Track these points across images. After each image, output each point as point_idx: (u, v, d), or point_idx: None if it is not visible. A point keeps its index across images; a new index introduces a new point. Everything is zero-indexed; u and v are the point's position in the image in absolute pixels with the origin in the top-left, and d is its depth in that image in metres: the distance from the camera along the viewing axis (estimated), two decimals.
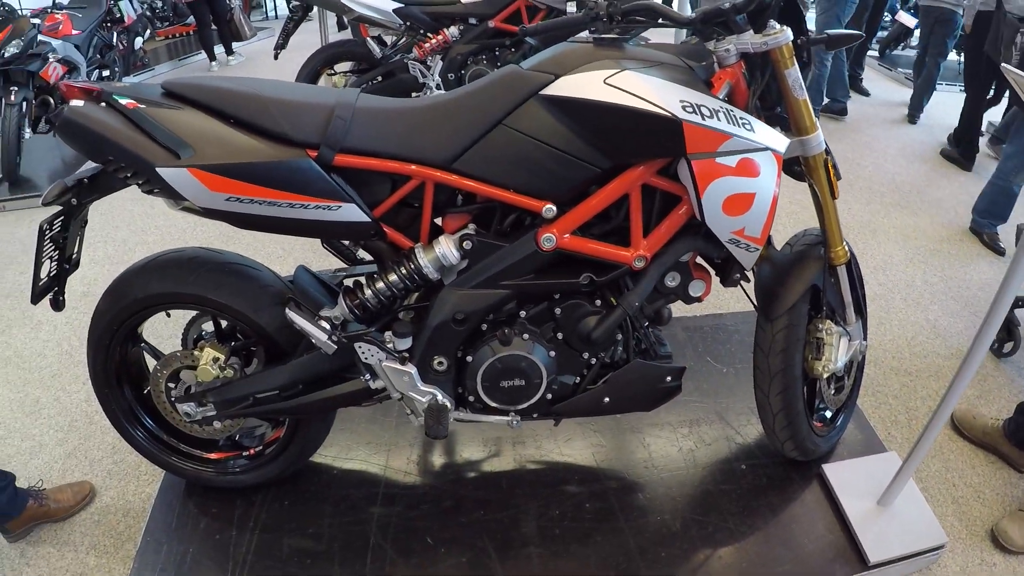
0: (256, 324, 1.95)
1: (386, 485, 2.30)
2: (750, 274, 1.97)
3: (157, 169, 1.64)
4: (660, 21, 1.78)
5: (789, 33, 1.74)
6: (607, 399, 2.00)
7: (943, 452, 2.57)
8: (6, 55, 4.66)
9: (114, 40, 6.13)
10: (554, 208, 1.74)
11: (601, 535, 2.13)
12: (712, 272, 1.99)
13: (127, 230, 4.42)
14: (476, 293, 1.82)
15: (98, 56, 5.85)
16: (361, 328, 1.88)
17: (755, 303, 2.14)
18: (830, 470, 2.34)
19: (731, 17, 1.71)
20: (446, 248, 1.78)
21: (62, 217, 1.86)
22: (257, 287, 1.96)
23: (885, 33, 7.58)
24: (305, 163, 1.67)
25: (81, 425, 2.78)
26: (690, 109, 1.64)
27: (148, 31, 7.13)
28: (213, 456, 2.27)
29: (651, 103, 1.63)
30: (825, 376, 2.16)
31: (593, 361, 1.97)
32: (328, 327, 1.85)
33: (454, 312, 1.83)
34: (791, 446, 2.26)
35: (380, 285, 1.84)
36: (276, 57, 4.85)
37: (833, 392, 2.36)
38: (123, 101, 1.67)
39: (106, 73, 6.03)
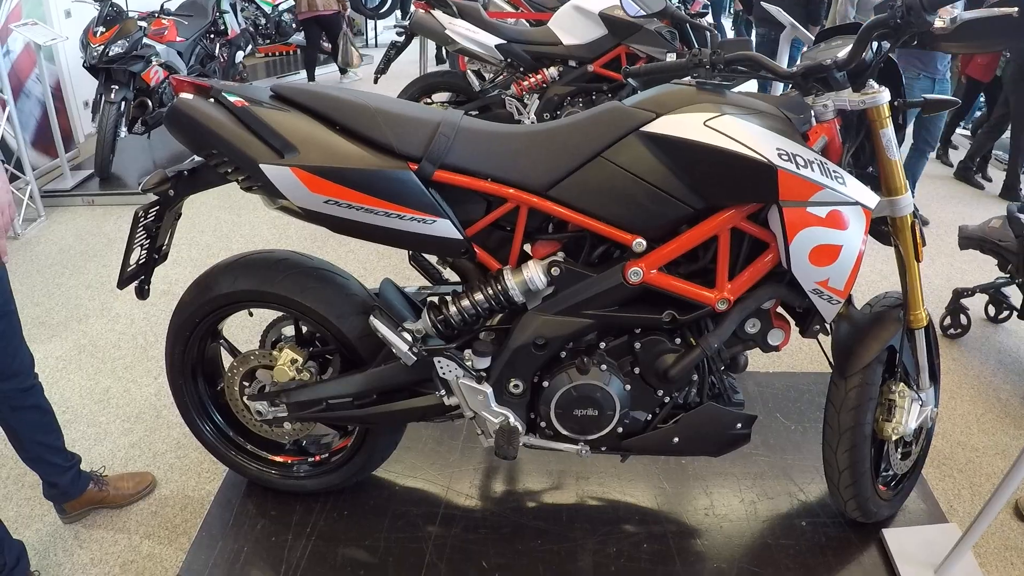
0: (338, 330, 1.99)
1: (446, 506, 2.31)
2: (828, 327, 1.96)
3: (261, 166, 1.71)
4: (761, 73, 1.81)
5: (887, 94, 1.76)
6: (676, 439, 1.99)
7: (1003, 530, 2.50)
8: (111, 54, 4.83)
9: (216, 51, 6.32)
10: (644, 242, 1.77)
11: None
12: (792, 323, 1.99)
13: (212, 235, 4.56)
14: (559, 320, 1.84)
15: (199, 65, 6.02)
16: (441, 344, 1.92)
17: (830, 359, 2.13)
18: (890, 535, 2.29)
19: (831, 74, 1.73)
20: (534, 272, 1.81)
21: (157, 207, 1.93)
22: (343, 294, 2.00)
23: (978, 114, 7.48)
24: (406, 175, 1.73)
25: (148, 418, 2.85)
26: (786, 157, 1.66)
27: (250, 46, 7.28)
28: (278, 459, 2.31)
29: (749, 148, 1.66)
30: (894, 439, 2.13)
31: (667, 400, 1.97)
32: (410, 339, 1.88)
33: (535, 336, 1.85)
34: (854, 505, 2.22)
35: (465, 303, 1.88)
36: (376, 82, 4.97)
37: (900, 457, 2.32)
38: (232, 99, 1.75)
39: None
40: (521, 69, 4.33)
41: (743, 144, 1.66)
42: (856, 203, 1.71)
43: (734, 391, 2.06)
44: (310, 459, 2.31)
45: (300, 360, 2.07)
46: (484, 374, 1.92)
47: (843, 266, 1.75)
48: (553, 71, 4.29)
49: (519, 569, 2.11)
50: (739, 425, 2.01)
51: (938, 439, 2.89)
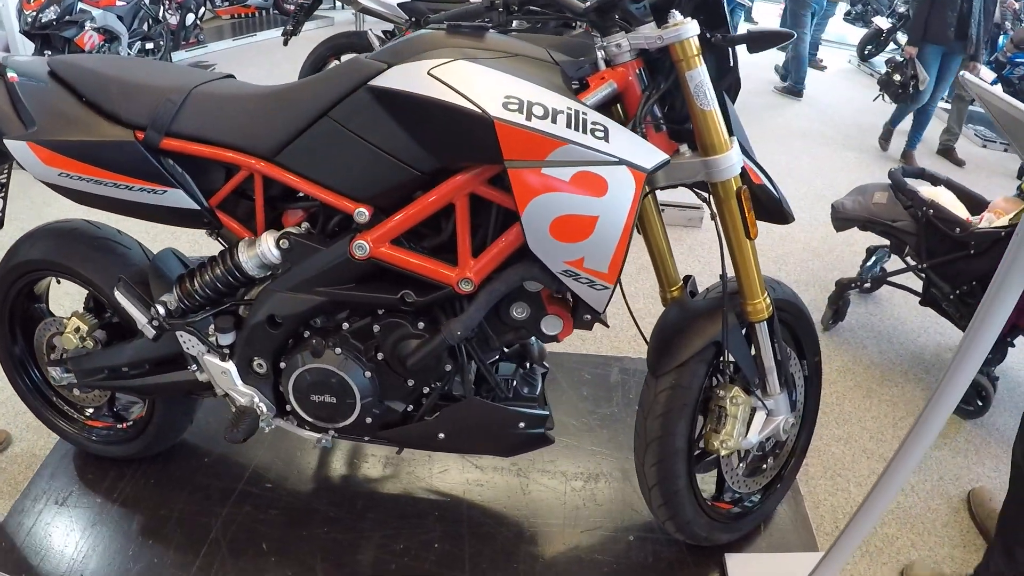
0: (113, 300, 1.93)
1: (247, 482, 2.22)
2: (606, 318, 1.71)
3: (4, 140, 1.70)
4: (562, 13, 1.55)
5: (693, 26, 1.46)
6: (442, 435, 1.81)
7: (900, 558, 2.19)
8: (43, 20, 4.77)
9: (161, 14, 6.13)
10: (366, 212, 1.59)
11: None
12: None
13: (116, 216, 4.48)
14: (291, 297, 1.70)
15: (144, 28, 5.83)
16: (190, 317, 1.82)
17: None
18: (733, 562, 2.03)
19: (625, 6, 1.45)
20: (266, 246, 1.68)
21: None
22: (120, 264, 1.96)
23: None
24: (129, 145, 1.67)
25: None
26: (514, 107, 1.40)
27: (202, 9, 6.93)
28: (85, 422, 2.29)
29: (465, 97, 1.42)
30: (724, 453, 1.86)
31: (425, 390, 1.80)
32: (160, 311, 1.79)
33: (269, 314, 1.73)
34: (673, 527, 1.97)
35: (206, 277, 1.77)
36: (285, 44, 4.77)
37: (746, 474, 2.06)
38: (9, 75, 1.73)
39: (150, 46, 5.93)
40: None
41: (460, 93, 1.42)
42: (620, 162, 1.42)
43: (528, 384, 1.87)
44: (119, 425, 2.27)
45: (84, 328, 2.03)
46: (228, 351, 1.82)
47: (602, 242, 1.47)
48: None
49: (296, 556, 2.01)
50: (522, 424, 1.80)
51: (839, 444, 2.57)
